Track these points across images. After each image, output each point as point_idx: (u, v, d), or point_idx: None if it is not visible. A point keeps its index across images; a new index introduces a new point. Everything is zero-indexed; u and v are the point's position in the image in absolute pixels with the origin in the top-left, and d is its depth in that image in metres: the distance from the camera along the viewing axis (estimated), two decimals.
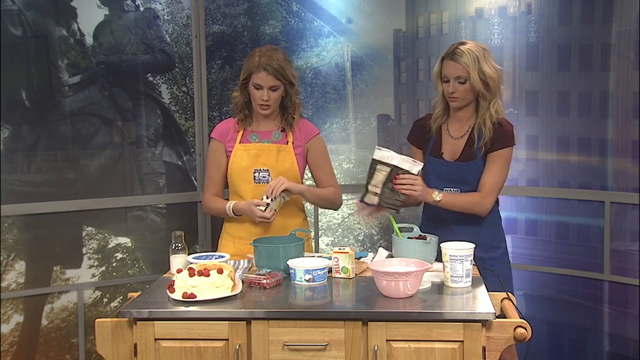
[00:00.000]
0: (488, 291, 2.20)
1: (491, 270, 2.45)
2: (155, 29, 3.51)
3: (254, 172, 2.75)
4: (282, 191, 2.64)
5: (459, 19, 3.61)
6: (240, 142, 2.78)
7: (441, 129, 2.71)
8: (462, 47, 2.56)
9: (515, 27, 3.50)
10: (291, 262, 2.33)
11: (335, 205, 2.93)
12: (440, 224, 2.62)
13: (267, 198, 2.62)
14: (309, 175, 2.92)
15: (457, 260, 2.22)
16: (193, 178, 3.66)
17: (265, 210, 2.62)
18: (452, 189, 2.64)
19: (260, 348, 2.03)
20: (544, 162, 3.48)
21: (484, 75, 2.54)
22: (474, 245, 2.29)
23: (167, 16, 3.55)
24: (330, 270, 2.38)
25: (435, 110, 2.72)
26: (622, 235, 3.29)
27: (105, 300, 3.46)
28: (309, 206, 3.47)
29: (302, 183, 2.85)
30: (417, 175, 2.49)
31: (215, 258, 2.52)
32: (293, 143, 2.78)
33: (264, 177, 2.74)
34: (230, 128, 2.82)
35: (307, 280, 2.28)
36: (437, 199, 2.54)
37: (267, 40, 3.68)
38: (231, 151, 2.78)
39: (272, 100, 2.70)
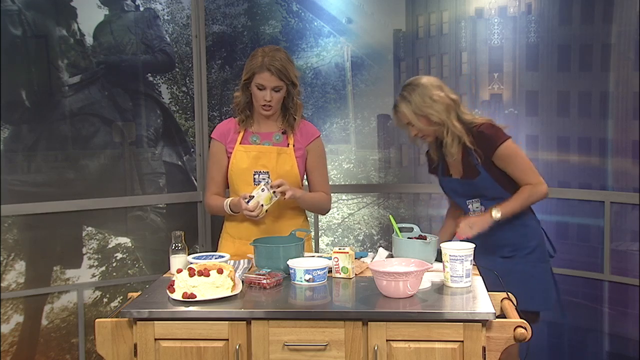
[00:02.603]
0: (488, 291, 2.20)
1: (491, 270, 2.45)
2: (155, 29, 3.51)
3: (254, 174, 2.75)
4: (279, 191, 2.62)
5: (459, 19, 3.61)
6: (240, 143, 2.77)
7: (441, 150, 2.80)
8: (398, 101, 2.68)
9: (515, 27, 3.50)
10: (291, 262, 2.33)
11: (323, 211, 2.93)
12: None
13: (259, 189, 2.60)
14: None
15: (457, 260, 2.22)
16: (193, 178, 3.66)
17: (248, 202, 2.60)
18: (474, 202, 2.71)
19: (260, 348, 2.03)
20: (544, 162, 3.48)
21: (427, 119, 2.63)
22: (474, 245, 2.29)
23: (167, 16, 3.55)
24: (330, 270, 2.38)
25: (417, 144, 2.93)
26: (622, 235, 3.29)
27: (105, 300, 3.46)
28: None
29: (302, 186, 2.85)
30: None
31: (215, 258, 2.52)
32: (294, 145, 2.77)
33: (264, 179, 2.73)
34: (231, 128, 2.81)
35: (307, 280, 2.28)
36: (498, 215, 2.59)
37: (267, 40, 3.68)
38: (231, 152, 2.77)
39: (274, 101, 2.69)
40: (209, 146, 2.93)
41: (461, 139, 2.63)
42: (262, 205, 2.61)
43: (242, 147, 2.76)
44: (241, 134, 2.78)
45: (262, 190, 2.60)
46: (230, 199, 2.74)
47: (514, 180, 2.65)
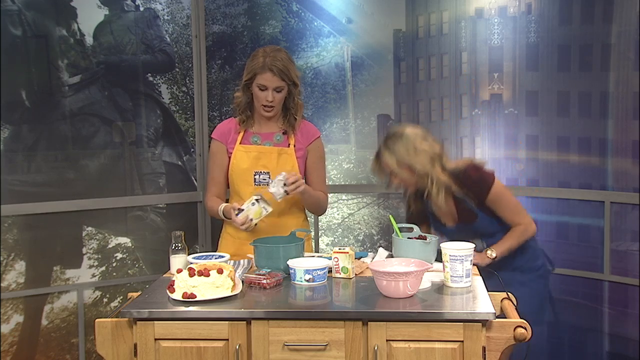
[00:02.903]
0: (488, 291, 2.20)
1: (492, 271, 2.45)
2: (155, 29, 3.51)
3: (255, 175, 2.74)
4: (261, 201, 2.61)
5: (459, 19, 3.61)
6: (240, 143, 2.77)
7: (423, 201, 2.74)
8: (382, 149, 2.63)
9: (515, 27, 3.50)
10: (291, 262, 2.33)
11: (322, 210, 2.93)
12: None
13: (249, 202, 2.59)
14: None
15: (457, 260, 2.22)
16: (193, 178, 3.66)
17: (238, 215, 2.59)
18: (476, 242, 2.61)
19: (260, 348, 2.03)
20: (544, 162, 3.48)
21: (410, 169, 2.59)
22: (473, 245, 2.29)
23: (167, 16, 3.55)
24: (330, 270, 2.38)
25: (409, 199, 2.82)
26: (622, 235, 3.29)
27: (105, 300, 3.46)
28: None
29: None
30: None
31: (215, 258, 2.52)
32: (295, 146, 2.77)
33: (264, 179, 2.73)
34: (231, 128, 2.81)
35: (307, 280, 2.28)
36: (493, 255, 2.58)
37: (267, 40, 3.68)
38: (232, 152, 2.77)
39: (276, 102, 2.68)
40: (209, 146, 2.93)
41: (450, 188, 2.61)
42: (251, 219, 2.60)
43: (242, 147, 2.76)
44: (241, 134, 2.78)
45: (253, 204, 2.60)
46: (224, 205, 2.74)
47: (503, 219, 2.65)
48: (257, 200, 2.60)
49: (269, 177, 2.72)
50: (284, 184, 2.57)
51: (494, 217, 2.64)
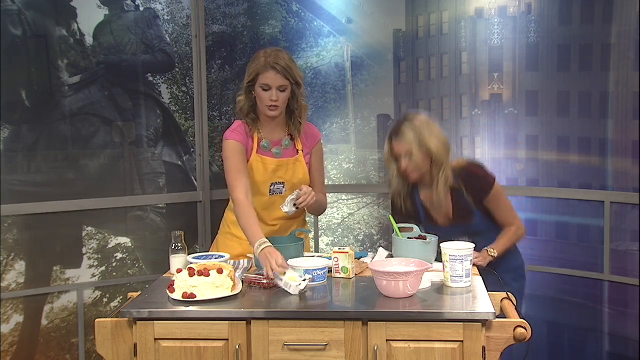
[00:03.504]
0: (488, 291, 2.20)
1: (492, 271, 2.46)
2: (155, 29, 3.51)
3: (271, 186, 2.70)
4: (305, 204, 2.56)
5: (459, 19, 3.61)
6: (257, 153, 2.67)
7: (416, 198, 2.71)
8: (403, 127, 2.58)
9: (515, 27, 3.50)
10: (291, 262, 2.32)
11: (323, 211, 2.92)
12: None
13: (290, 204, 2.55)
14: None
15: (457, 260, 2.22)
16: (193, 178, 3.66)
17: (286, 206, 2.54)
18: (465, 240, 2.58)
19: (260, 348, 2.03)
20: (544, 162, 3.48)
21: (429, 151, 2.55)
22: (473, 245, 2.29)
23: (167, 16, 3.55)
24: (330, 270, 2.38)
25: (392, 186, 2.71)
26: (622, 235, 3.29)
27: (105, 300, 3.46)
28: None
29: None
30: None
31: (215, 258, 2.52)
32: (303, 151, 2.73)
33: (279, 188, 2.70)
34: (247, 132, 2.68)
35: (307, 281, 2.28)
36: (495, 254, 2.59)
37: (267, 40, 3.68)
38: (249, 159, 2.67)
39: (280, 101, 2.60)
40: (212, 146, 2.89)
41: (455, 183, 2.60)
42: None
43: (259, 158, 2.67)
44: (256, 141, 2.68)
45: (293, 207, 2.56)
46: (265, 245, 2.35)
47: (496, 219, 2.65)
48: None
49: (283, 187, 2.69)
50: (294, 204, 2.55)
51: (488, 217, 2.65)
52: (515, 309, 2.18)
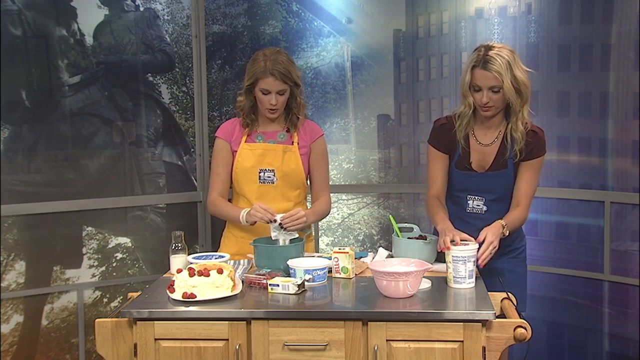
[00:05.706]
0: (488, 291, 2.20)
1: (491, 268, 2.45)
2: (155, 29, 3.51)
3: (260, 172, 2.75)
4: (296, 229, 2.56)
5: (459, 19, 3.61)
6: (245, 142, 2.78)
7: (468, 136, 2.58)
8: (492, 54, 2.40)
9: (515, 27, 3.50)
10: (291, 262, 2.33)
11: (325, 217, 2.96)
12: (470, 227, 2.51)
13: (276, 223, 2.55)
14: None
15: (459, 261, 2.22)
16: (193, 178, 3.66)
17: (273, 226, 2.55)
18: (476, 199, 2.57)
19: (260, 348, 2.03)
20: (544, 162, 3.47)
21: (517, 82, 2.43)
22: (477, 246, 2.28)
23: (167, 16, 3.55)
24: (330, 270, 2.38)
25: (462, 121, 2.55)
26: (622, 235, 3.29)
27: (105, 300, 3.46)
28: (309, 205, 3.47)
29: (306, 184, 2.85)
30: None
31: (215, 258, 2.52)
32: (298, 143, 2.78)
33: (269, 177, 2.74)
34: (235, 128, 2.81)
35: (307, 280, 2.28)
36: (507, 233, 2.46)
37: (267, 40, 3.68)
38: (237, 150, 2.77)
39: (279, 104, 2.70)
40: (212, 145, 2.92)
41: (525, 124, 2.49)
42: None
43: (247, 145, 2.76)
44: (246, 133, 2.78)
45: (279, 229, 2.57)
46: (245, 211, 2.63)
47: (518, 186, 2.56)
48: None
49: (274, 175, 2.73)
50: (281, 226, 2.54)
51: (513, 181, 2.55)
52: (516, 308, 2.18)
